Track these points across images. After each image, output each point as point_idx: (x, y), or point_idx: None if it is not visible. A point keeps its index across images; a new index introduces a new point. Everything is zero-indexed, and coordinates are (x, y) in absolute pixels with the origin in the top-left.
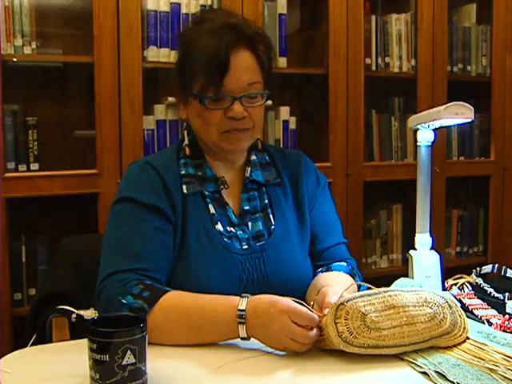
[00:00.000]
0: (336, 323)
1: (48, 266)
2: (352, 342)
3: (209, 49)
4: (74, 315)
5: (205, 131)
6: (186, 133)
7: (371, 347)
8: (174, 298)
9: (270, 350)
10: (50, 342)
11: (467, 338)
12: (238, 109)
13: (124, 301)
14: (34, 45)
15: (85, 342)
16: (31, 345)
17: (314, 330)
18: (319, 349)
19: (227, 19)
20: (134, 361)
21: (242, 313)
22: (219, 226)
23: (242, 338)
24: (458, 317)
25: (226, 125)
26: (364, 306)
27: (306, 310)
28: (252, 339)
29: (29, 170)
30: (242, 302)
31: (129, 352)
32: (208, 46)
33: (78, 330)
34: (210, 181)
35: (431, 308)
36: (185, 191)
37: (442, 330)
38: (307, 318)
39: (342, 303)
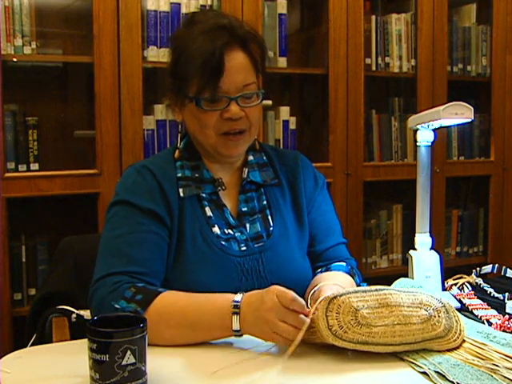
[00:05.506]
0: (327, 316)
1: (48, 266)
2: (341, 336)
3: (202, 51)
4: (73, 315)
5: (202, 134)
6: (180, 136)
7: (360, 343)
8: (168, 298)
9: (268, 349)
10: (50, 342)
11: (463, 340)
12: (235, 109)
13: (117, 306)
14: (34, 45)
15: (85, 342)
16: (31, 345)
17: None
18: (310, 342)
19: (218, 20)
20: (133, 361)
21: (237, 303)
22: (216, 229)
23: (235, 332)
24: (455, 322)
25: (224, 126)
26: (357, 301)
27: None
28: (249, 340)
29: (29, 170)
30: (238, 295)
31: (129, 352)
32: (201, 48)
33: (77, 329)
34: (207, 183)
35: (426, 310)
36: (181, 195)
37: (436, 333)
38: (291, 297)
39: (334, 297)
